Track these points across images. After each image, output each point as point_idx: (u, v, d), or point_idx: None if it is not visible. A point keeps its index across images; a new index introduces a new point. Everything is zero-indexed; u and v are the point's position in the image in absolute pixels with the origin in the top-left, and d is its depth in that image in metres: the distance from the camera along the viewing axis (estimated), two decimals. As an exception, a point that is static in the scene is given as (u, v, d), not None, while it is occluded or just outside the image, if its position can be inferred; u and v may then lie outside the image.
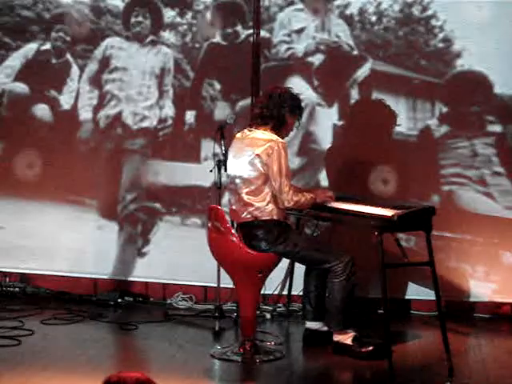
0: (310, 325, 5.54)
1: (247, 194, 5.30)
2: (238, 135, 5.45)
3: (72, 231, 6.70)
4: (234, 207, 5.39)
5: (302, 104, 5.48)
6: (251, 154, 5.27)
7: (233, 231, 5.31)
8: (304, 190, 5.62)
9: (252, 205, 5.29)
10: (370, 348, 5.27)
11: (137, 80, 6.65)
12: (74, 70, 6.71)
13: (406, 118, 6.35)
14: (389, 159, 6.37)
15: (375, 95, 6.38)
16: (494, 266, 6.25)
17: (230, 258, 5.33)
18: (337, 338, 5.33)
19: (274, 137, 5.28)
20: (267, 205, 5.28)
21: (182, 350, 5.49)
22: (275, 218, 5.29)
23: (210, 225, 5.40)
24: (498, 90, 6.23)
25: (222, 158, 5.73)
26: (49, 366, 5.12)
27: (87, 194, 6.71)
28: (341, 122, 6.42)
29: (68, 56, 6.71)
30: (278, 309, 6.32)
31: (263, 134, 5.31)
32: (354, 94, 6.39)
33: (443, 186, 6.33)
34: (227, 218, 5.37)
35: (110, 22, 6.65)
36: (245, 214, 5.31)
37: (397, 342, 5.39)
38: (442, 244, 6.10)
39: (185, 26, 6.57)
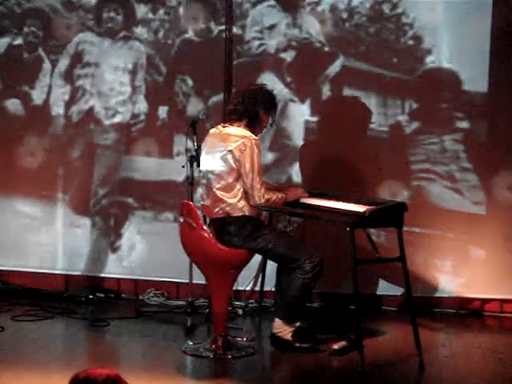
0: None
1: (219, 189, 5.27)
2: (212, 131, 5.41)
3: (43, 226, 6.64)
4: (206, 203, 5.35)
5: (276, 101, 5.44)
6: (224, 150, 5.24)
7: (205, 227, 5.27)
8: (277, 187, 5.59)
9: (224, 201, 5.26)
10: (307, 345, 5.29)
11: (109, 75, 6.59)
12: (46, 64, 6.64)
13: (377, 114, 6.36)
14: (360, 155, 6.35)
15: (346, 91, 6.37)
16: (462, 261, 6.27)
17: (202, 254, 5.29)
18: (277, 330, 5.31)
19: (248, 133, 5.25)
20: (239, 201, 5.25)
21: (154, 346, 5.46)
22: (247, 214, 5.26)
23: (182, 220, 5.36)
24: (466, 86, 6.23)
25: (194, 153, 5.68)
26: (19, 362, 5.08)
27: (59, 190, 6.63)
28: (313, 118, 6.38)
29: (40, 51, 6.63)
30: (250, 305, 6.31)
31: (237, 130, 5.27)
32: (326, 91, 6.38)
33: (413, 182, 6.34)
34: (199, 213, 5.33)
35: (82, 18, 6.58)
36: (217, 209, 5.27)
37: (368, 338, 5.39)
38: (411, 239, 6.09)
39: (157, 22, 6.52)
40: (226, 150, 5.23)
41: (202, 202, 5.42)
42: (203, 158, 5.42)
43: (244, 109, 5.29)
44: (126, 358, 5.29)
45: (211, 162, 5.32)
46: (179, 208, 5.47)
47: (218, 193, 5.27)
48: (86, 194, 6.64)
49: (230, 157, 5.22)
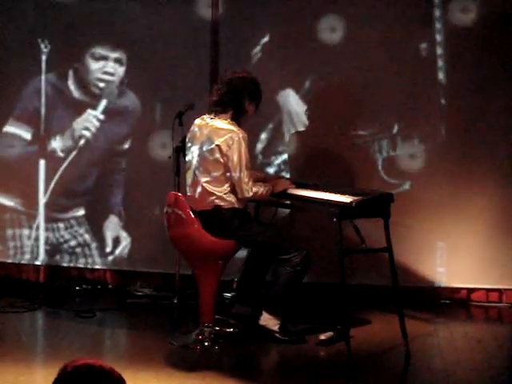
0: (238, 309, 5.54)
1: (207, 182, 5.25)
2: (198, 121, 5.37)
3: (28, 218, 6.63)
4: (193, 195, 5.30)
5: (261, 88, 5.39)
6: (211, 144, 5.22)
7: (194, 218, 5.22)
8: (264, 177, 5.56)
9: (213, 193, 5.25)
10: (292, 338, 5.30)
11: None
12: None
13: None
14: (352, 146, 6.34)
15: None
16: (448, 251, 6.26)
17: (191, 246, 5.29)
18: (264, 322, 5.30)
19: (235, 127, 5.25)
20: (227, 194, 5.22)
21: (141, 337, 5.46)
22: (236, 206, 5.24)
23: (169, 211, 5.30)
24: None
25: (180, 144, 5.62)
26: (5, 354, 5.05)
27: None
28: (302, 107, 6.38)
29: None
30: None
31: (224, 124, 5.25)
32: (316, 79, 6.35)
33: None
34: (188, 205, 5.27)
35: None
36: (205, 202, 5.24)
37: (355, 328, 5.39)
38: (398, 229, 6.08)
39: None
40: (213, 144, 5.22)
41: (188, 194, 5.37)
42: (189, 148, 5.37)
43: (229, 100, 5.25)
44: (112, 349, 5.31)
45: (198, 155, 5.29)
46: (166, 199, 5.41)
47: (206, 186, 5.24)
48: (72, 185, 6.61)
49: (217, 151, 5.20)
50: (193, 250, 5.27)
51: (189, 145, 5.40)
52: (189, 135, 5.42)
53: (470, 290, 6.28)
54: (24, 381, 4.67)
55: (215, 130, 5.26)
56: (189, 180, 5.41)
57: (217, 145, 5.21)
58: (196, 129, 5.38)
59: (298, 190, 5.45)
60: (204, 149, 5.27)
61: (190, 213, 5.25)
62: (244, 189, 5.20)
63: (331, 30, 6.32)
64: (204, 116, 5.38)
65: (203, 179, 5.27)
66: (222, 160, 5.21)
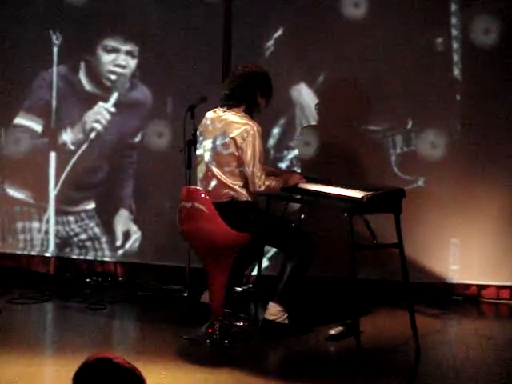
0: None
1: (223, 174, 5.31)
2: (210, 115, 5.43)
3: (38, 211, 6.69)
4: (205, 188, 5.36)
5: (272, 83, 5.46)
6: (226, 138, 5.29)
7: (216, 212, 5.25)
8: (275, 171, 5.62)
9: (228, 186, 5.32)
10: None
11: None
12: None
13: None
14: (365, 142, 6.39)
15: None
16: (463, 248, 6.30)
17: (207, 240, 5.28)
18: (273, 316, 5.36)
19: (250, 121, 5.31)
20: (242, 187, 5.29)
21: (151, 330, 5.51)
22: (250, 199, 5.31)
23: (187, 206, 5.32)
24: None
25: (192, 138, 5.67)
26: (16, 345, 5.12)
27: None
28: (314, 101, 6.43)
29: None
30: (248, 289, 6.32)
31: (238, 117, 5.32)
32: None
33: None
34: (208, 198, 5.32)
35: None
36: (220, 194, 5.32)
37: (365, 323, 5.42)
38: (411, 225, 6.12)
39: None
40: (228, 137, 5.28)
41: (203, 188, 5.41)
42: (201, 142, 5.43)
43: (241, 94, 5.31)
44: (122, 342, 5.36)
45: (211, 148, 5.35)
46: (181, 193, 5.42)
47: (222, 178, 5.31)
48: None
49: (232, 144, 5.26)
50: (209, 243, 5.28)
51: (200, 138, 5.46)
52: (200, 128, 5.48)
53: (481, 287, 6.32)
54: (34, 372, 4.75)
55: (229, 124, 5.32)
56: (200, 174, 5.46)
57: (232, 137, 5.27)
58: (208, 122, 5.44)
59: (309, 185, 5.50)
60: (218, 142, 5.33)
61: (213, 207, 5.27)
62: (257, 183, 5.28)
63: (345, 24, 6.36)
64: (216, 109, 5.44)
65: (218, 172, 5.33)
66: (236, 153, 5.28)
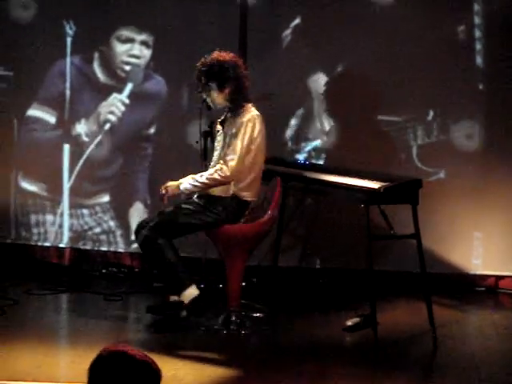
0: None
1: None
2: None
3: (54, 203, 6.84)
4: None
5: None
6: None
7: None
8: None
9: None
10: None
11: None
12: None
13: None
14: (386, 133, 6.50)
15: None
16: (478, 238, 6.41)
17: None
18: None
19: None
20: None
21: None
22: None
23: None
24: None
25: (208, 129, 5.81)
26: (32, 336, 5.29)
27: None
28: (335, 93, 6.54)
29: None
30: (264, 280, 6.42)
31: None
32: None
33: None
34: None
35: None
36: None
37: (382, 314, 5.52)
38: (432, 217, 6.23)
39: None
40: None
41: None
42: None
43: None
44: (139, 332, 5.48)
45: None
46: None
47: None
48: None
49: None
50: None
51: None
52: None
53: (499, 278, 6.41)
54: (51, 362, 4.92)
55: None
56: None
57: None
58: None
59: (326, 175, 5.64)
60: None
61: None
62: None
63: (363, 13, 6.43)
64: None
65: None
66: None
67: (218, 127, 5.59)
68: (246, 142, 5.39)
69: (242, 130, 5.38)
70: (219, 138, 5.57)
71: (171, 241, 5.47)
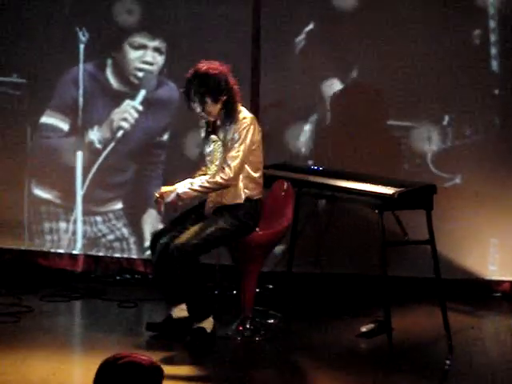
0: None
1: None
2: None
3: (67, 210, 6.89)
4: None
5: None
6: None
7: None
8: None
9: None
10: None
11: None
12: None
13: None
14: (400, 138, 6.54)
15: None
16: (495, 244, 6.43)
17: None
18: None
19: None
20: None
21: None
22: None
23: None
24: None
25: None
26: (47, 342, 5.34)
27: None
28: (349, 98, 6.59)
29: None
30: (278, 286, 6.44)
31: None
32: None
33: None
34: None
35: None
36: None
37: (397, 320, 5.51)
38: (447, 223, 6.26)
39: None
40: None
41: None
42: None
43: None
44: (153, 339, 5.48)
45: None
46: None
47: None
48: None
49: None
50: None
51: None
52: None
53: None
54: (66, 369, 4.98)
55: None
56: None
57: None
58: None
59: (339, 181, 5.67)
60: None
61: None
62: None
63: (377, 17, 6.46)
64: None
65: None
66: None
67: (213, 137, 5.54)
68: (247, 146, 5.40)
69: (244, 135, 5.39)
70: (215, 146, 5.54)
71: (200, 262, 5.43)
